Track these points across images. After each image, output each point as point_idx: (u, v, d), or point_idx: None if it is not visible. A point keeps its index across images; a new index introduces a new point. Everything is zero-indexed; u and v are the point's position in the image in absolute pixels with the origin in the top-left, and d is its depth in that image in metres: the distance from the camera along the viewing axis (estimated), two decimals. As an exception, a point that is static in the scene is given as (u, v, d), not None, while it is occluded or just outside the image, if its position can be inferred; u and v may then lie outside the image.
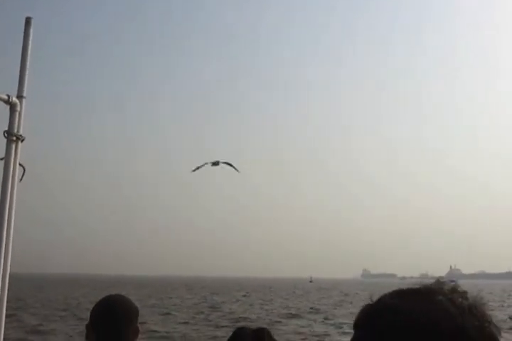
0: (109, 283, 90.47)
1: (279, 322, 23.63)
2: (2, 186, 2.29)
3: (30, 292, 47.58)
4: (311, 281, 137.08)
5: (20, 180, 2.35)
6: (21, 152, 2.36)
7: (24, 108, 2.36)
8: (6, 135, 2.32)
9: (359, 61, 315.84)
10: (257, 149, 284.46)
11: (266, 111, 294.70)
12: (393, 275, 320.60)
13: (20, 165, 2.35)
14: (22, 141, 2.35)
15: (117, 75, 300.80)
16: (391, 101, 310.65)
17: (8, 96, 2.30)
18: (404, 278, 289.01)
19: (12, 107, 2.33)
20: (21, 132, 2.35)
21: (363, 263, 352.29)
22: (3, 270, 2.23)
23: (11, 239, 2.31)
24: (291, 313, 28.31)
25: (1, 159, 2.33)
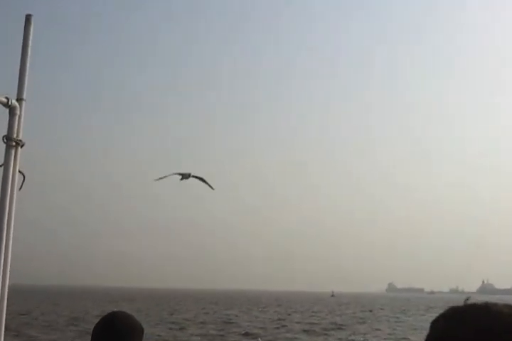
0: (116, 296, 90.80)
1: (299, 338, 23.33)
2: (1, 194, 2.25)
3: (34, 305, 48.00)
4: (332, 295, 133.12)
5: (20, 188, 2.29)
6: (21, 158, 2.31)
7: (24, 111, 2.31)
8: (5, 140, 2.27)
9: (387, 61, 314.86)
10: (272, 149, 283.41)
11: (282, 110, 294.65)
12: (421, 290, 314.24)
13: (19, 172, 2.30)
14: (22, 146, 2.30)
15: (117, 74, 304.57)
16: (417, 102, 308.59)
17: (8, 99, 2.25)
18: (432, 292, 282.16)
19: (11, 110, 2.28)
20: (21, 137, 2.30)
21: (388, 276, 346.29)
22: (3, 280, 2.19)
23: (10, 249, 2.26)
24: (311, 330, 27.96)
25: (0, 166, 2.28)
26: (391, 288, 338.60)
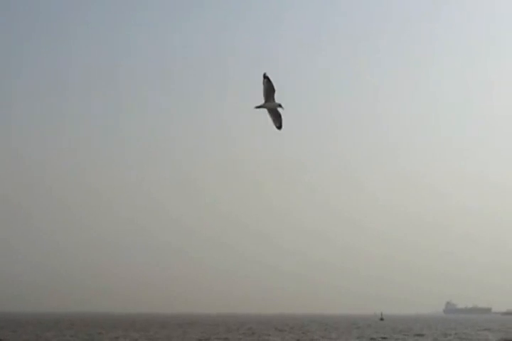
0: (127, 322, 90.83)
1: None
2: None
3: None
4: (381, 319, 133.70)
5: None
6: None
7: None
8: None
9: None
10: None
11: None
12: (487, 310, 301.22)
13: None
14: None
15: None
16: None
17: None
18: (509, 312, 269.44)
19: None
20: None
21: (445, 295, 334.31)
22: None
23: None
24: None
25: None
26: (450, 308, 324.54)
